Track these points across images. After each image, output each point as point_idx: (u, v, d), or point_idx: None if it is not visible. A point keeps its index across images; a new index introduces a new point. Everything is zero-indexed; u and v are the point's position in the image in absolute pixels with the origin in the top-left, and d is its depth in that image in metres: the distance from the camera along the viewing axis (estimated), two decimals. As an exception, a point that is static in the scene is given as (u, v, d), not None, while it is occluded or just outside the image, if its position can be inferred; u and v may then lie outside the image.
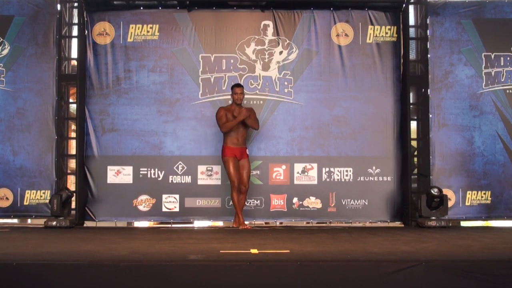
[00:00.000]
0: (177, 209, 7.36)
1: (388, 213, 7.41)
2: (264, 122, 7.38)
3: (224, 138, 6.88)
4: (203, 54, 7.49)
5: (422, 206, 6.82)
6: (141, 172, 7.38)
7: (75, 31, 7.51)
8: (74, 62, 7.55)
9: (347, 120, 7.47)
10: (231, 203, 7.36)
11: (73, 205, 7.06)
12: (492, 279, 3.57)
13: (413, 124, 7.48)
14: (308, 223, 7.46)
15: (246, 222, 6.86)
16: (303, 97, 7.47)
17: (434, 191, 6.83)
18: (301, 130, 7.40)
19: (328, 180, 7.41)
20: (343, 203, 7.39)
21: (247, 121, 6.83)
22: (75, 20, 7.47)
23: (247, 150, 6.94)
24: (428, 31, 7.45)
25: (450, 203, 7.29)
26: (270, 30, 7.50)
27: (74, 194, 7.07)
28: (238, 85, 6.96)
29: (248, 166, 6.90)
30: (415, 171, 7.40)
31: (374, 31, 7.52)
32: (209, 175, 7.39)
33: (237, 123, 6.79)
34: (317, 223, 7.48)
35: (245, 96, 7.23)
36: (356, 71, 7.50)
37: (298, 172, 7.41)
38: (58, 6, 7.39)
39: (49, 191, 7.16)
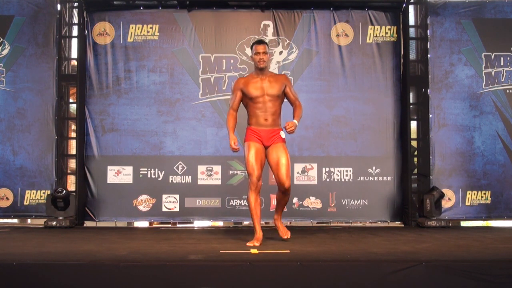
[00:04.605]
0: (177, 209, 7.36)
1: (388, 213, 7.41)
2: (264, 122, 7.37)
3: (248, 116, 5.10)
4: (203, 54, 7.50)
5: (431, 206, 6.82)
6: (141, 172, 7.38)
7: (75, 31, 7.52)
8: (74, 62, 7.56)
9: (347, 120, 7.47)
10: (231, 202, 7.37)
11: (73, 205, 7.03)
12: (492, 279, 3.56)
13: (413, 124, 7.49)
14: (307, 223, 7.46)
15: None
16: (303, 97, 7.36)
17: (439, 191, 6.86)
18: (301, 130, 7.37)
19: (328, 180, 7.41)
20: (343, 203, 7.39)
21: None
22: (75, 20, 7.49)
23: (282, 132, 5.01)
24: (428, 31, 7.45)
25: (450, 203, 7.31)
26: (270, 30, 7.50)
27: (70, 193, 7.01)
28: (260, 42, 5.05)
29: (284, 154, 4.93)
30: (415, 171, 7.41)
31: (374, 31, 7.52)
32: (209, 175, 7.39)
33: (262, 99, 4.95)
34: (317, 223, 7.48)
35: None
36: (356, 71, 7.50)
37: (298, 172, 7.41)
38: (58, 6, 7.40)
39: (49, 191, 7.15)
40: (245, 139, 5.02)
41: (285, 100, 5.11)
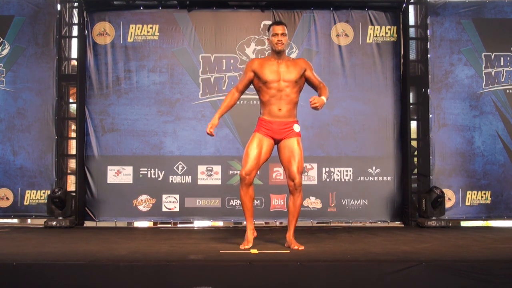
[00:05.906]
0: (177, 209, 7.36)
1: (388, 213, 7.40)
2: (264, 122, 7.35)
3: (260, 106, 4.69)
4: (203, 54, 7.50)
5: (427, 206, 6.83)
6: (141, 172, 7.38)
7: (75, 31, 7.52)
8: (74, 62, 7.56)
9: (347, 120, 7.47)
10: (231, 202, 7.37)
11: (72, 205, 7.02)
12: (492, 279, 3.56)
13: (413, 124, 7.49)
14: (307, 223, 7.46)
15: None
16: (303, 97, 7.42)
17: (437, 191, 6.86)
18: (301, 130, 7.31)
19: (328, 180, 7.41)
20: (343, 203, 7.39)
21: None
22: (75, 20, 7.49)
23: (296, 125, 4.64)
24: (428, 31, 7.46)
25: (450, 203, 7.31)
26: (270, 30, 7.49)
27: (68, 193, 7.01)
28: (278, 23, 4.66)
29: (298, 150, 4.52)
30: (415, 171, 7.41)
31: (374, 31, 7.52)
32: (209, 175, 7.39)
33: (278, 83, 4.53)
34: (317, 223, 7.48)
35: (245, 97, 7.16)
36: (356, 71, 7.50)
37: (298, 172, 7.39)
38: (58, 6, 7.40)
39: (49, 191, 7.15)
40: (255, 129, 4.60)
41: (299, 93, 4.71)
